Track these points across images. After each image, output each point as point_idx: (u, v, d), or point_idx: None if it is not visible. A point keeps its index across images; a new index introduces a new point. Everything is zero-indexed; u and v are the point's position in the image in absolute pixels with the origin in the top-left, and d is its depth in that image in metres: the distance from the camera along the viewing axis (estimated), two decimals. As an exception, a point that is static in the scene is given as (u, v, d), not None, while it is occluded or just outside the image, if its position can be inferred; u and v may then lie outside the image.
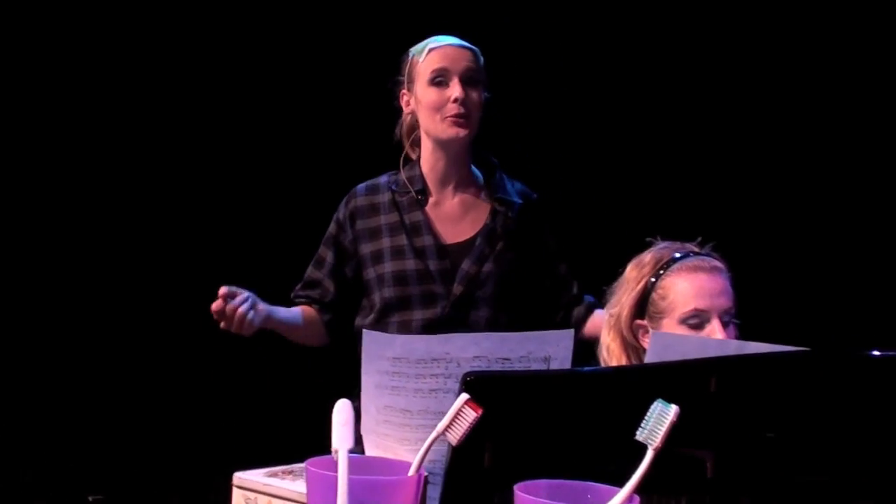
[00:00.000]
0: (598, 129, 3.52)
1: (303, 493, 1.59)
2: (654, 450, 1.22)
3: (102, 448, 3.49)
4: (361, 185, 2.70)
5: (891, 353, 1.65)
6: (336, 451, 1.20)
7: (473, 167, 2.69)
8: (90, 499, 3.52)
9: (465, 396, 1.28)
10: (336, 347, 2.74)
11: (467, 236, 2.63)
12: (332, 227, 2.69)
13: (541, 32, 3.57)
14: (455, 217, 2.64)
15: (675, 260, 2.14)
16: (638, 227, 2.28)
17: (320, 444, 2.56)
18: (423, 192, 2.65)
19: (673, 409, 1.22)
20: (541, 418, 1.62)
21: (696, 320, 2.07)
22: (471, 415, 1.26)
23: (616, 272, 2.24)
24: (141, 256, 3.61)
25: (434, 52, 2.59)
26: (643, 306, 2.15)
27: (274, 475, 1.64)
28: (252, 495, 1.61)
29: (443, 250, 2.61)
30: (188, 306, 3.43)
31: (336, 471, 1.18)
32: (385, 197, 2.65)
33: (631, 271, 2.20)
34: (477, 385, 1.66)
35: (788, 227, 3.39)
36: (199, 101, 3.62)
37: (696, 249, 2.18)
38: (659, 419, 1.22)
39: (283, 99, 3.64)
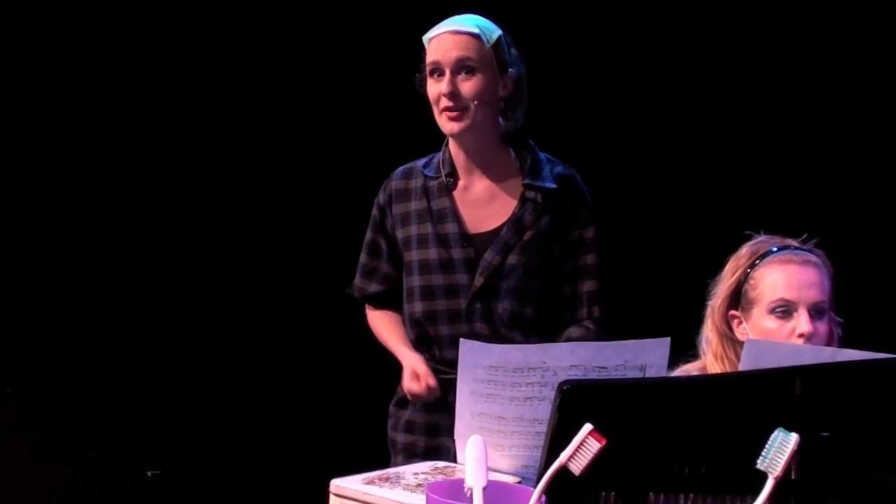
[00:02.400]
0: (718, 123, 3.43)
1: (402, 502, 1.60)
2: (775, 478, 1.21)
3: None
4: (399, 169, 2.61)
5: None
6: (470, 489, 1.20)
7: (512, 150, 2.53)
8: (149, 473, 3.56)
9: (588, 427, 1.26)
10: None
11: (495, 225, 2.49)
12: (375, 212, 2.61)
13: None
14: (482, 203, 2.52)
15: (770, 253, 2.15)
16: (751, 222, 2.27)
17: (379, 442, 2.59)
18: (453, 174, 2.53)
19: (793, 438, 1.21)
20: (636, 426, 1.62)
21: (784, 310, 2.07)
22: (595, 445, 1.25)
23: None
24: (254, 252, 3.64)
25: (431, 42, 2.47)
26: (737, 297, 2.16)
27: (371, 482, 1.65)
28: (349, 503, 1.62)
29: (467, 239, 2.49)
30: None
31: (458, 499, 1.17)
32: (418, 182, 2.55)
33: (729, 264, 2.22)
34: (573, 393, 1.67)
35: None
36: (209, 96, 3.59)
37: (796, 244, 2.17)
38: (780, 448, 1.22)
39: (313, 87, 3.61)
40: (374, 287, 2.57)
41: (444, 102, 2.38)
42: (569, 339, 2.38)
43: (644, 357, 1.67)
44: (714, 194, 3.31)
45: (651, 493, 1.65)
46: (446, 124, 2.41)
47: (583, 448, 1.26)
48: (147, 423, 3.53)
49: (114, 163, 3.62)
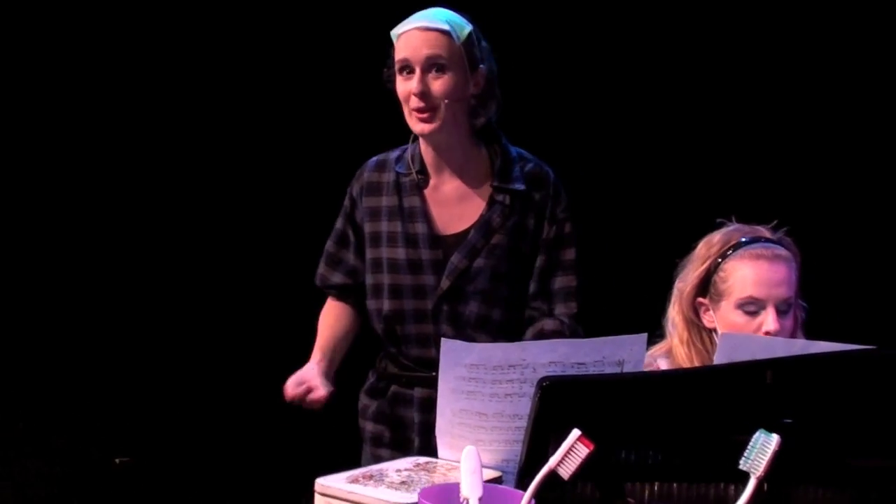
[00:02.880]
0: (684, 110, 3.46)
1: (387, 500, 1.62)
2: (757, 478, 1.25)
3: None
4: (373, 160, 2.55)
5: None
6: (466, 500, 1.22)
7: (485, 149, 2.47)
8: (117, 460, 3.56)
9: (577, 433, 1.29)
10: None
11: (464, 227, 2.44)
12: (346, 202, 2.56)
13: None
14: (452, 204, 2.47)
15: (741, 244, 2.18)
16: (720, 208, 2.30)
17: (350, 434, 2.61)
18: (423, 171, 2.48)
19: (774, 439, 1.25)
20: (614, 419, 1.66)
21: (752, 307, 2.11)
22: (583, 451, 1.28)
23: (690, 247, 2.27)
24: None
25: (400, 38, 2.40)
26: (706, 286, 2.19)
27: (355, 481, 1.67)
28: (335, 502, 1.64)
29: (436, 240, 2.44)
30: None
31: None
32: (390, 176, 2.50)
33: (700, 249, 2.24)
34: (553, 389, 1.70)
35: (870, 213, 3.35)
36: (199, 91, 3.60)
37: (767, 234, 2.20)
38: (762, 449, 1.25)
39: (290, 82, 3.62)
40: (337, 278, 2.53)
41: (415, 102, 2.31)
42: (542, 332, 2.36)
43: (621, 353, 1.71)
44: (682, 180, 3.35)
45: (628, 484, 1.70)
46: (416, 125, 2.34)
47: (572, 453, 1.28)
48: (117, 412, 3.53)
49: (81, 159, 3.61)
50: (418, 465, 1.78)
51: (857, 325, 2.24)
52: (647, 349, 2.24)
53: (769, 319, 2.07)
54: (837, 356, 1.70)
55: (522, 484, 1.61)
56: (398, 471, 1.74)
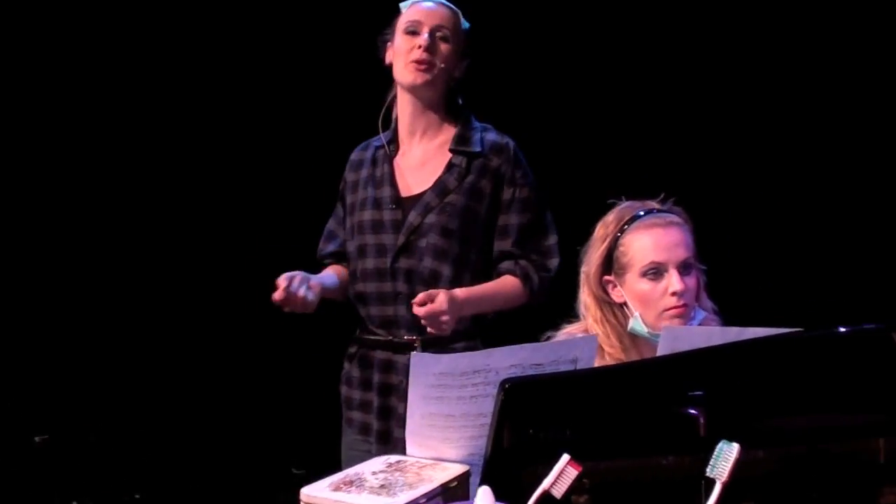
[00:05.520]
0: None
1: (371, 506, 1.74)
2: (723, 484, 1.43)
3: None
4: (363, 143, 2.82)
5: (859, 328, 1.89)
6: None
7: (453, 120, 2.71)
8: (36, 439, 3.58)
9: (566, 457, 1.43)
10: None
11: (423, 188, 2.67)
12: (341, 184, 2.83)
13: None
14: (415, 168, 2.69)
15: (634, 218, 2.33)
16: (609, 189, 2.45)
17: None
18: (394, 142, 2.71)
19: (735, 448, 1.42)
20: (570, 412, 1.82)
21: (655, 272, 2.28)
22: (572, 473, 1.42)
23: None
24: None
25: (412, 6, 2.67)
26: (609, 263, 2.34)
27: (338, 489, 1.79)
28: (322, 511, 1.75)
29: (398, 201, 2.66)
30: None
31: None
32: (370, 153, 2.75)
33: (598, 231, 2.39)
34: (514, 389, 1.85)
35: (751, 182, 3.58)
36: (199, 91, 3.61)
37: (657, 206, 2.36)
38: (725, 457, 1.42)
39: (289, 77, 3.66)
40: (330, 248, 2.82)
41: (418, 54, 2.59)
42: (498, 272, 2.63)
43: (574, 352, 1.86)
44: (569, 170, 3.53)
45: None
46: (411, 73, 2.62)
47: (563, 475, 1.42)
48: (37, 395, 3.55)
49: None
50: (390, 465, 1.90)
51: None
52: (565, 329, 2.42)
53: (673, 280, 2.25)
54: (773, 339, 1.88)
55: (488, 474, 1.77)
56: (374, 473, 1.85)
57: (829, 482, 1.78)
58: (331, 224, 2.86)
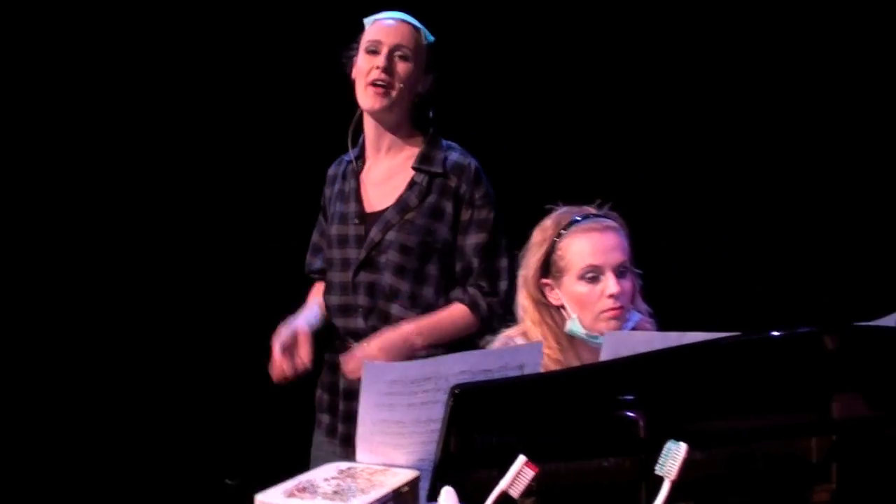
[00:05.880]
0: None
1: (326, 511, 1.77)
2: (671, 481, 1.48)
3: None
4: (338, 158, 2.85)
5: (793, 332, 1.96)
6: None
7: (420, 137, 2.74)
8: None
9: (523, 458, 1.48)
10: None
11: (386, 205, 2.70)
12: (322, 196, 2.87)
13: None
14: (380, 184, 2.73)
15: (572, 223, 2.40)
16: (546, 194, 2.51)
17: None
18: (361, 158, 2.75)
19: (683, 447, 1.48)
20: (517, 415, 1.86)
21: (592, 274, 2.35)
22: (529, 473, 1.46)
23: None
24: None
25: (374, 24, 2.67)
26: (547, 267, 2.41)
27: (292, 495, 1.81)
28: (277, 518, 1.77)
29: (362, 217, 2.70)
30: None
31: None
32: (343, 168, 2.79)
33: (535, 236, 2.45)
34: (463, 395, 1.89)
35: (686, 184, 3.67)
36: (199, 91, 3.61)
37: (594, 211, 2.43)
38: (673, 456, 1.48)
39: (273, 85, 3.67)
40: (316, 264, 2.87)
41: (376, 75, 2.59)
42: (448, 300, 2.65)
43: (521, 358, 1.91)
44: (512, 172, 3.58)
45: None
46: (370, 98, 2.62)
47: (520, 476, 1.46)
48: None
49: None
50: (341, 471, 1.93)
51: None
52: (503, 332, 2.47)
53: (610, 283, 2.32)
54: (712, 344, 1.95)
55: (438, 478, 1.81)
56: (326, 480, 1.88)
57: (763, 481, 1.86)
58: (315, 237, 2.91)
